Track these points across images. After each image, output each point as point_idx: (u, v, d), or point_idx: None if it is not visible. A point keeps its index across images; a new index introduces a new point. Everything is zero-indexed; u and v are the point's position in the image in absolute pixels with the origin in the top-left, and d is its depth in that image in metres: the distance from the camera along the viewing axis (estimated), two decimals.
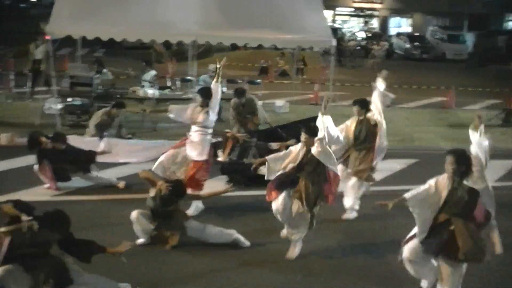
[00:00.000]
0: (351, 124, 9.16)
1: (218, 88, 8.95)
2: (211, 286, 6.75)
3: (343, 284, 6.94)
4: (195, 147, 8.84)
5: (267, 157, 7.61)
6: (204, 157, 8.90)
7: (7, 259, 5.69)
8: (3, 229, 5.84)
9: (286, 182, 7.44)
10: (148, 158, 11.23)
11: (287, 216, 7.41)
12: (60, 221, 5.79)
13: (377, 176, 11.03)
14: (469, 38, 42.73)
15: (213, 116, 8.93)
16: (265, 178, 7.53)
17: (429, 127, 17.00)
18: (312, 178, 7.33)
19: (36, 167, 9.64)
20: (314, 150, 7.28)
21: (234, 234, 7.83)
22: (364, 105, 9.13)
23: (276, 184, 7.45)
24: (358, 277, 7.11)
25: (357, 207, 9.13)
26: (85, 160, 9.90)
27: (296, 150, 7.47)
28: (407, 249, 6.30)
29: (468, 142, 6.48)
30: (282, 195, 7.39)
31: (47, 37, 13.05)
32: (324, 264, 7.44)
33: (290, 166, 7.42)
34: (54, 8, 12.99)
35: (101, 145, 11.16)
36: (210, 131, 8.99)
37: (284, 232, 7.74)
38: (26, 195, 9.07)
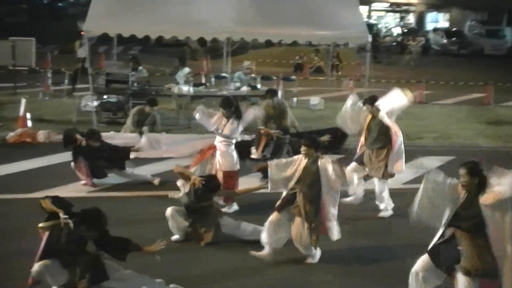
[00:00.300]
0: (366, 120, 9.12)
1: (254, 111, 9.34)
2: (244, 283, 6.74)
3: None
4: (225, 158, 8.92)
5: (269, 162, 7.39)
6: (237, 167, 9.06)
7: (46, 254, 5.78)
8: (41, 224, 5.94)
9: (286, 204, 7.30)
10: (187, 153, 11.34)
11: (273, 236, 7.20)
12: (96, 219, 5.84)
13: (414, 174, 10.95)
14: (509, 33, 41.92)
15: (241, 129, 9.07)
16: (269, 190, 7.35)
17: (466, 123, 16.72)
18: (309, 192, 7.08)
19: (72, 164, 9.75)
20: (324, 172, 7.04)
21: None
22: (373, 102, 8.93)
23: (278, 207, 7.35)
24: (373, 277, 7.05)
25: (391, 205, 9.07)
26: (120, 157, 9.98)
27: (298, 160, 7.25)
28: (419, 261, 5.97)
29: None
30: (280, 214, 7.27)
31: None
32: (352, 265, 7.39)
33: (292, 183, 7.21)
34: (90, 6, 13.12)
35: (142, 141, 11.29)
36: (234, 140, 9.08)
37: (260, 253, 7.28)
38: (63, 191, 9.21)
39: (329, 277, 6.98)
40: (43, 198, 6.12)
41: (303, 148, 7.21)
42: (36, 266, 5.74)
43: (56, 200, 6.12)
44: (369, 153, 9.07)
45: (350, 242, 7.88)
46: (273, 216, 7.27)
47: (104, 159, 9.75)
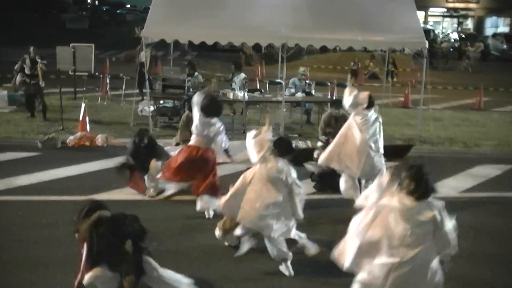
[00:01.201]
0: None
1: None
2: (288, 284, 6.68)
3: None
4: None
5: None
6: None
7: (95, 259, 5.75)
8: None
9: None
10: (242, 159, 11.40)
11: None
12: (116, 226, 5.83)
13: (471, 182, 10.70)
14: None
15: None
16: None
17: None
18: None
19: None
20: None
21: (303, 238, 7.62)
22: None
23: None
24: None
25: None
26: (160, 148, 10.01)
27: None
28: None
29: None
30: None
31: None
32: None
33: None
34: (149, 13, 13.37)
35: None
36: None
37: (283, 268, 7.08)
38: (120, 194, 9.40)
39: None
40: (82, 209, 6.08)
41: None
42: (87, 278, 5.63)
43: (93, 203, 6.07)
44: None
45: None
46: None
47: (148, 154, 9.57)
